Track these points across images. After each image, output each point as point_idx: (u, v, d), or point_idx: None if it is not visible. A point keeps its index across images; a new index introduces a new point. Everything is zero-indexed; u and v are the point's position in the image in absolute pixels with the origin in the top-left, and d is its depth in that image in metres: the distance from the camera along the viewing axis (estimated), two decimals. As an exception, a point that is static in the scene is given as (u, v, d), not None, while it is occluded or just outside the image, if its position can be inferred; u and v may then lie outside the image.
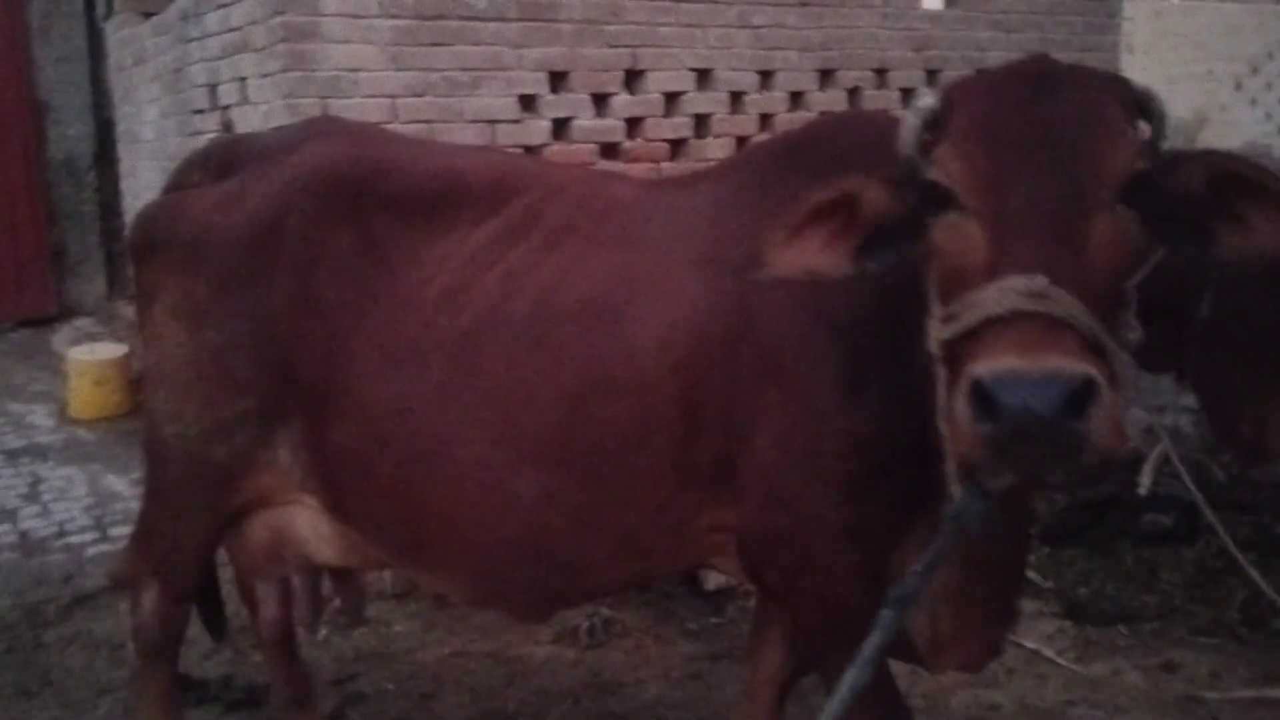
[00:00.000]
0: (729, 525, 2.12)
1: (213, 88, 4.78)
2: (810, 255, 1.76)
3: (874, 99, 5.20)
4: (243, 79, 4.33)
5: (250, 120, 4.24)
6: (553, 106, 4.40)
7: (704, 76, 4.75)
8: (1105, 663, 3.49)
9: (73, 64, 8.68)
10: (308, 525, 2.53)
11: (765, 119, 4.92)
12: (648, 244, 2.17)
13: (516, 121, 4.31)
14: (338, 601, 3.01)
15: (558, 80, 4.40)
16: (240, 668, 3.47)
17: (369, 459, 2.28)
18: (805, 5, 4.99)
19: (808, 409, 1.97)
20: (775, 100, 4.95)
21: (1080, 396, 1.41)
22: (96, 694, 3.37)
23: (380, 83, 4.02)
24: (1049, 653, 3.52)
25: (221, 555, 2.79)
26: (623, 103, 4.56)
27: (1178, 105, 9.82)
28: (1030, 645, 3.54)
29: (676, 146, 4.72)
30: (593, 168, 4.32)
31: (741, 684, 2.73)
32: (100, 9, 8.16)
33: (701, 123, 4.78)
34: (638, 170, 4.44)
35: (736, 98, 4.85)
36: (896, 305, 1.83)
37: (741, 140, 4.83)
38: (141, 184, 6.41)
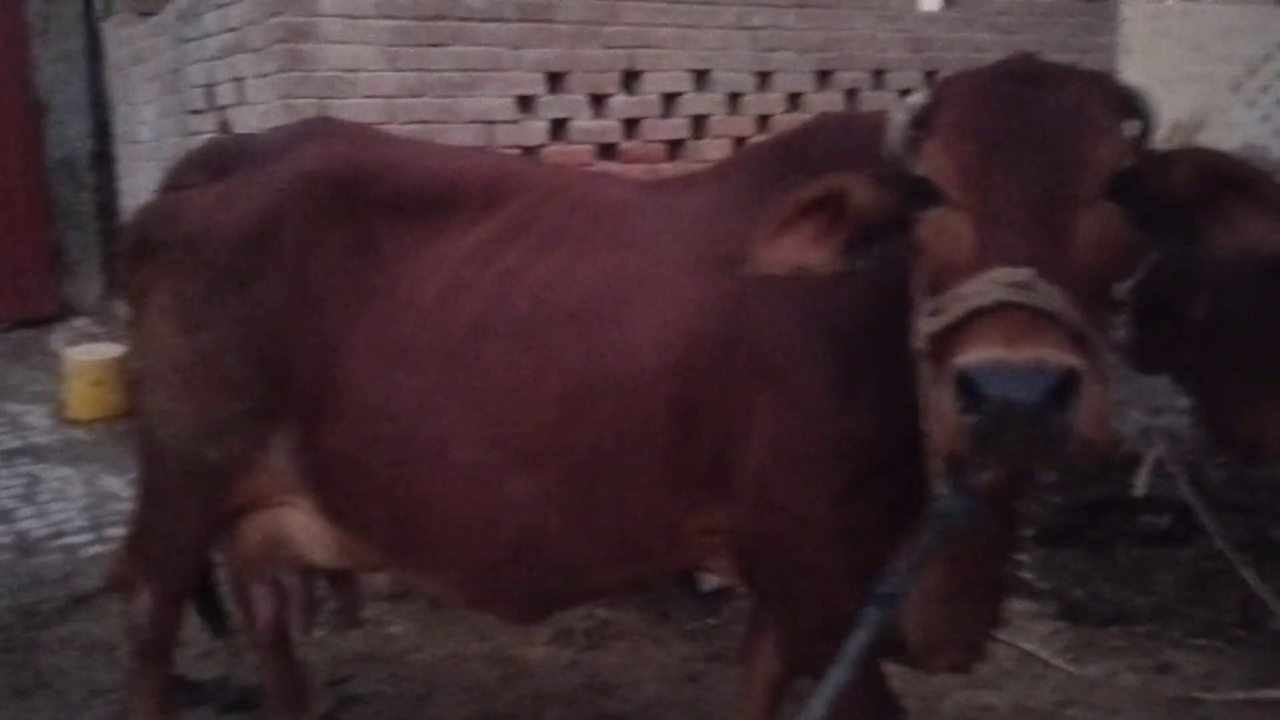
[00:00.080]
0: (723, 527, 2.12)
1: (210, 88, 4.77)
2: (798, 250, 1.76)
3: (872, 100, 5.19)
4: (240, 79, 4.32)
5: (247, 120, 4.24)
6: (550, 107, 4.40)
7: (702, 77, 4.74)
8: (1101, 664, 3.49)
9: (71, 64, 8.66)
10: (302, 527, 2.52)
11: (763, 120, 4.92)
12: (644, 245, 2.16)
13: (514, 122, 4.30)
14: (333, 603, 3.01)
15: (555, 81, 4.40)
16: (235, 669, 3.46)
17: (363, 460, 2.28)
18: (803, 6, 4.99)
19: (802, 411, 1.97)
20: (773, 101, 4.95)
21: (1064, 387, 1.42)
22: (92, 695, 3.36)
23: (377, 83, 4.01)
24: (1044, 654, 3.52)
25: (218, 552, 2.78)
26: (620, 104, 4.56)
27: (1175, 107, 9.83)
28: (1026, 646, 3.54)
29: (674, 147, 4.72)
30: (590, 169, 4.32)
31: (737, 685, 2.73)
32: (99, 9, 8.15)
33: (699, 124, 4.78)
34: (635, 171, 4.44)
35: (734, 99, 4.85)
36: (891, 309, 1.82)
37: (739, 141, 4.82)
38: (139, 184, 6.41)
